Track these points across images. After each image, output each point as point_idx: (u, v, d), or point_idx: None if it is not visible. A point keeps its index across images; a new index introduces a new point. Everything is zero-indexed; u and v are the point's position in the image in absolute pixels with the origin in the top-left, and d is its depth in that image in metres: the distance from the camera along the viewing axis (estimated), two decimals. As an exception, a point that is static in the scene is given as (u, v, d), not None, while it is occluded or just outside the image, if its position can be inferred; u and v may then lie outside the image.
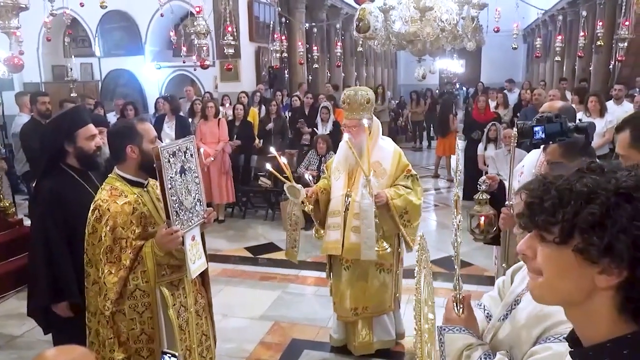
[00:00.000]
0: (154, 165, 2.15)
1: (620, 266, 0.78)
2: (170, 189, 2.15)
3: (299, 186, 3.15)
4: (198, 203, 2.35)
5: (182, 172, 2.24)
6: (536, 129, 2.25)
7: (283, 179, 3.12)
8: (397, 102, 15.47)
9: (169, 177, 2.14)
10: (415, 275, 1.19)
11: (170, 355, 1.70)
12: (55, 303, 2.71)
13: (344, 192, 3.44)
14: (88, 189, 2.74)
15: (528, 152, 3.24)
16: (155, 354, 2.30)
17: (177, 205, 2.19)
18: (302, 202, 3.22)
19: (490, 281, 4.16)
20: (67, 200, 2.68)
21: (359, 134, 3.35)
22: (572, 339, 0.92)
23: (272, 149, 3.38)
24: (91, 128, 2.75)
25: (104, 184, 2.40)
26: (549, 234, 0.85)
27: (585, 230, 0.80)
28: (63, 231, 2.67)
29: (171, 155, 2.17)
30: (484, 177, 2.66)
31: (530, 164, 3.11)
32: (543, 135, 2.24)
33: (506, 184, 2.78)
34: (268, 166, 3.30)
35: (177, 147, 2.24)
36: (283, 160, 3.12)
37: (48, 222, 2.69)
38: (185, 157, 2.27)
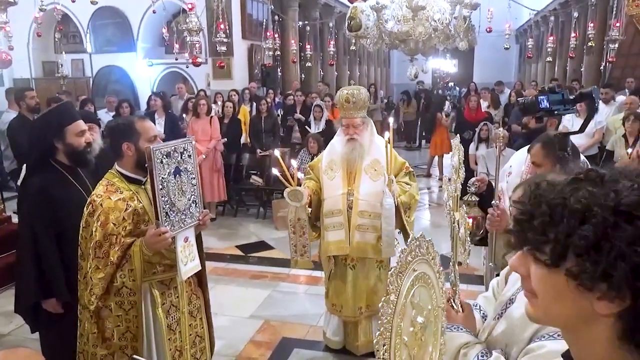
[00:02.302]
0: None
1: (621, 294, 0.69)
2: (161, 189, 2.13)
3: (301, 188, 3.11)
4: (193, 205, 2.33)
5: (177, 173, 2.23)
6: (540, 97, 2.28)
7: (286, 183, 3.07)
8: (385, 102, 15.43)
9: (160, 178, 2.13)
10: (391, 276, 1.17)
11: None
12: (44, 299, 2.70)
13: (343, 190, 3.40)
14: (77, 186, 2.73)
15: (516, 150, 3.25)
16: (139, 353, 2.29)
17: (167, 206, 2.18)
18: (305, 206, 3.19)
19: (480, 280, 4.18)
20: (55, 197, 2.66)
21: (364, 132, 3.36)
22: (567, 358, 0.85)
23: (277, 152, 3.35)
24: (80, 124, 2.72)
25: (103, 178, 2.40)
26: (541, 253, 0.75)
27: (579, 254, 0.70)
28: (50, 228, 2.64)
29: (165, 156, 2.16)
30: (473, 179, 2.66)
31: (518, 164, 3.12)
32: (547, 104, 2.27)
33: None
34: (274, 171, 3.22)
35: (173, 147, 2.22)
36: (294, 163, 3.06)
37: (35, 218, 2.67)
38: (181, 158, 2.25)
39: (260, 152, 7.80)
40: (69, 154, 2.70)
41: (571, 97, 2.35)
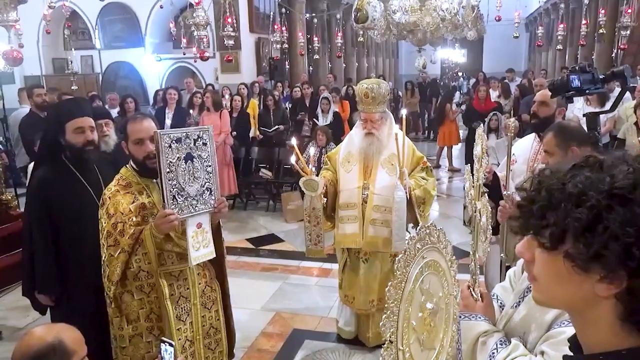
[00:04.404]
0: (146, 163, 2.30)
1: (618, 274, 0.71)
2: (168, 172, 2.17)
3: (317, 178, 3.11)
4: (207, 192, 2.34)
5: (189, 159, 2.25)
6: (572, 77, 2.27)
7: (302, 172, 3.08)
8: (393, 94, 15.34)
9: (167, 162, 2.17)
10: (397, 262, 1.19)
11: (168, 344, 1.73)
12: (37, 293, 2.75)
13: (359, 184, 3.39)
14: (83, 182, 2.70)
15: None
16: (164, 333, 2.35)
17: (175, 190, 2.21)
18: (320, 196, 3.20)
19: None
20: (54, 191, 2.65)
21: (382, 126, 3.35)
22: (574, 342, 0.87)
23: (293, 141, 3.35)
24: (78, 121, 2.64)
25: (118, 172, 2.45)
26: (542, 237, 0.78)
27: (575, 236, 0.73)
28: (47, 222, 2.65)
29: (174, 141, 2.19)
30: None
31: (523, 153, 3.10)
32: (579, 84, 2.27)
33: (499, 174, 2.77)
34: (292, 159, 3.21)
35: (185, 133, 2.25)
36: (311, 151, 3.05)
37: (33, 214, 2.71)
38: (194, 144, 2.28)
39: (269, 132, 7.88)
40: (70, 150, 2.68)
41: (602, 76, 2.35)
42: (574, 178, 0.75)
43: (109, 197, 2.33)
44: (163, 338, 1.81)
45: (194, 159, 2.28)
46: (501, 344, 1.41)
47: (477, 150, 1.79)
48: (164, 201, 2.19)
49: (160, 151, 2.14)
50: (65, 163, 2.70)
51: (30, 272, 2.72)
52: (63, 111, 2.77)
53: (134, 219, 2.31)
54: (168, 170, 2.17)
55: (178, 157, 2.21)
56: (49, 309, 2.93)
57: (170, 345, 1.72)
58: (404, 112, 3.34)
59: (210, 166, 2.36)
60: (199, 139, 2.30)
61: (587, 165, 0.77)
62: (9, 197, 5.56)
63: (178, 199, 2.22)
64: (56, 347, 1.51)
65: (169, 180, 2.18)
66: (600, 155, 0.78)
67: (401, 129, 3.23)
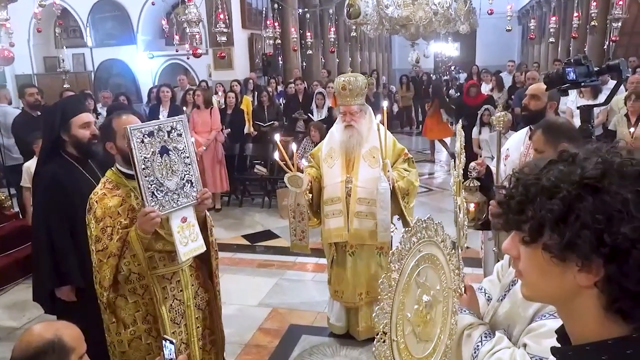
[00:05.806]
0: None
1: (595, 262, 0.73)
2: (144, 169, 2.10)
3: (301, 175, 3.14)
4: (188, 184, 2.26)
5: (165, 153, 2.18)
6: (568, 70, 2.30)
7: (286, 169, 3.11)
8: (386, 91, 15.33)
9: (142, 158, 2.09)
10: (391, 255, 1.20)
11: (169, 342, 1.74)
12: (59, 287, 2.76)
13: (342, 178, 3.43)
14: (87, 177, 2.79)
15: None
16: (161, 333, 2.32)
17: (153, 186, 2.13)
18: (305, 192, 3.22)
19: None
20: (66, 186, 2.73)
21: (361, 119, 3.37)
22: (561, 334, 0.88)
23: (276, 137, 3.38)
24: (83, 117, 2.77)
25: (104, 176, 2.41)
26: (522, 232, 0.80)
27: (550, 227, 0.75)
28: (63, 216, 2.72)
29: (146, 135, 2.11)
30: (473, 164, 2.67)
31: (515, 147, 3.13)
32: (574, 76, 2.29)
33: (492, 169, 2.79)
34: (275, 155, 3.24)
35: (157, 126, 2.16)
36: (294, 148, 3.08)
37: (49, 207, 2.75)
38: (168, 136, 2.20)
39: (263, 126, 7.88)
40: (75, 145, 2.77)
41: (596, 69, 2.37)
42: (549, 172, 0.78)
43: (96, 201, 2.27)
44: (165, 336, 1.82)
45: (170, 152, 2.20)
46: (486, 337, 1.42)
47: (457, 146, 1.81)
48: (142, 199, 2.12)
49: (133, 147, 2.06)
50: (66, 158, 2.79)
51: (51, 270, 2.73)
52: (69, 107, 2.84)
53: (123, 221, 2.25)
54: (143, 166, 2.09)
55: (152, 152, 2.13)
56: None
57: (171, 342, 1.73)
58: (385, 103, 3.36)
59: (188, 157, 2.27)
60: (173, 130, 2.21)
61: (562, 160, 0.79)
62: (3, 197, 5.54)
63: (157, 195, 2.15)
64: (55, 344, 1.53)
65: (146, 177, 2.10)
66: (574, 150, 0.81)
67: (382, 122, 3.26)
